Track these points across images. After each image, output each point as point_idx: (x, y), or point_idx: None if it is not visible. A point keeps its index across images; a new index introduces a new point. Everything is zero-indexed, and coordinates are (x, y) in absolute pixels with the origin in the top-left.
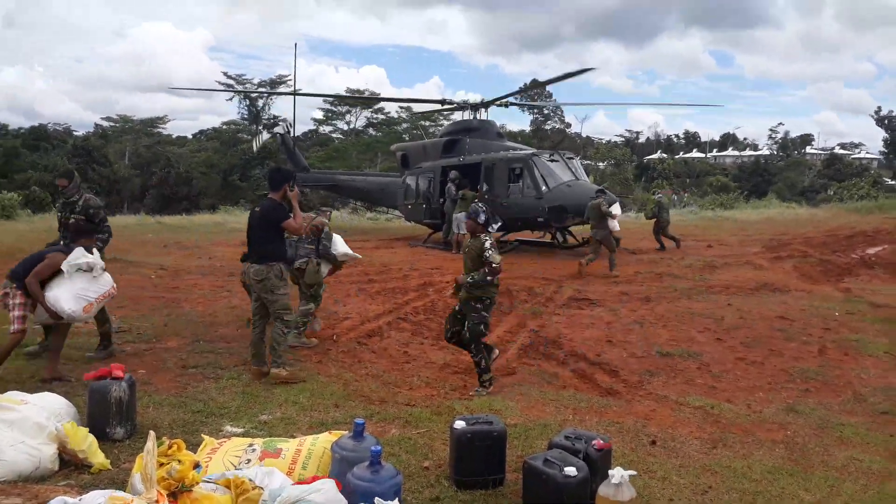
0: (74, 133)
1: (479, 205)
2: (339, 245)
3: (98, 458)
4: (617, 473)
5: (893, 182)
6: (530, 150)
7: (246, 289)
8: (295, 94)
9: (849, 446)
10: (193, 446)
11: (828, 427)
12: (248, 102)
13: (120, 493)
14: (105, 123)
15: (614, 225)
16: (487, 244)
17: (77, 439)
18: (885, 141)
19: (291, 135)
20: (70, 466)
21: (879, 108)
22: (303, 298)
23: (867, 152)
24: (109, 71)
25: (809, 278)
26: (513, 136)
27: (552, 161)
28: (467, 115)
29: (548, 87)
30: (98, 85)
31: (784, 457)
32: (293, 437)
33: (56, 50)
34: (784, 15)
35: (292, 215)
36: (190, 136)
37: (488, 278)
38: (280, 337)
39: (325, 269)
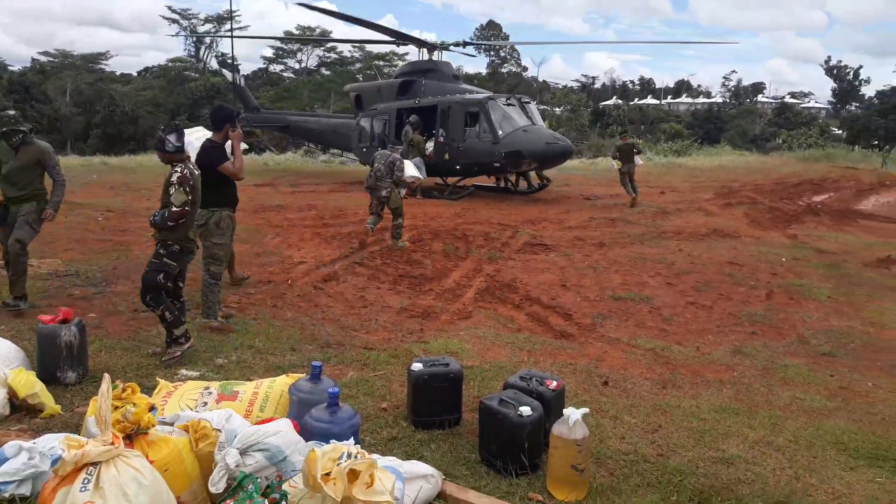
0: (10, 68)
1: (171, 131)
2: (408, 169)
3: (49, 403)
4: (570, 412)
5: (840, 132)
6: (487, 94)
7: None
8: (233, 36)
9: (791, 386)
10: (148, 390)
11: (772, 368)
12: (194, 39)
13: (75, 436)
14: (43, 58)
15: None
16: (175, 178)
17: (26, 385)
18: (833, 91)
19: (239, 73)
20: (22, 411)
21: (829, 57)
22: (395, 217)
23: (816, 102)
24: (47, 2)
25: (759, 225)
26: (469, 78)
27: (508, 105)
28: (423, 55)
29: (504, 30)
30: (34, 17)
31: (731, 396)
32: (250, 380)
33: None
34: None
35: (232, 158)
36: (135, 74)
37: (168, 223)
38: (208, 287)
39: (402, 191)
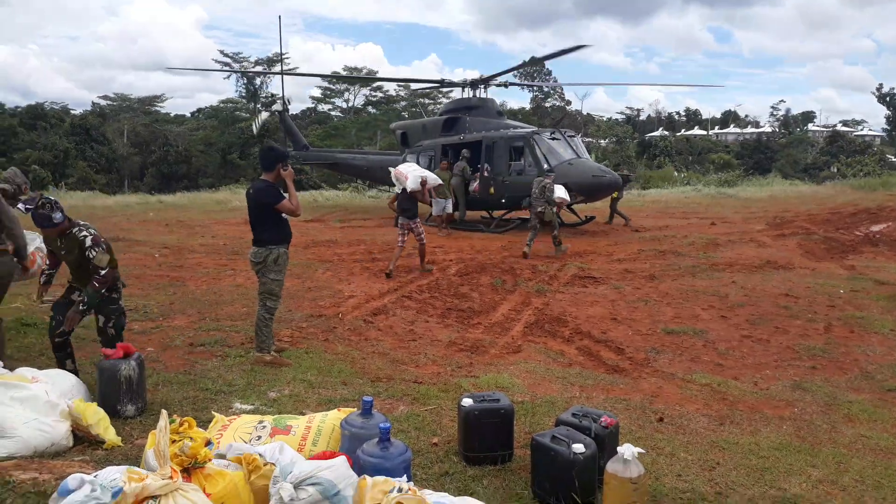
0: (72, 112)
1: (49, 201)
2: (558, 191)
3: (110, 435)
4: (626, 450)
5: None
6: (531, 128)
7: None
8: (283, 73)
9: (856, 423)
10: (204, 423)
11: (835, 404)
12: (245, 80)
13: (136, 469)
14: (102, 102)
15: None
16: (88, 241)
17: (88, 415)
18: (887, 118)
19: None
20: (84, 443)
21: (881, 84)
22: (551, 228)
23: (870, 129)
24: (103, 49)
25: (814, 256)
26: (513, 114)
27: (553, 139)
28: (467, 93)
29: (547, 65)
30: (92, 63)
31: (791, 433)
32: (302, 413)
33: (49, 28)
34: None
35: (287, 196)
36: (188, 115)
37: (104, 291)
38: (262, 321)
39: (554, 208)
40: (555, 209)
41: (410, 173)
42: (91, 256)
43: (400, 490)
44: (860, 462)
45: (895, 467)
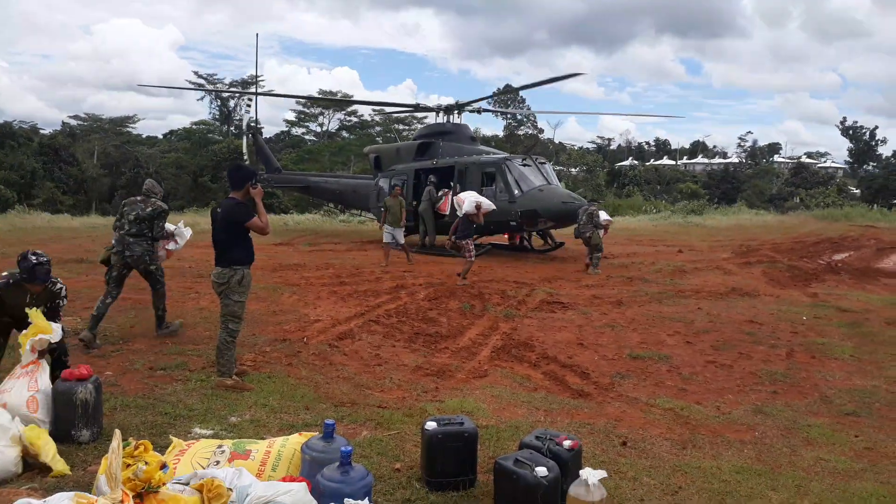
0: (41, 131)
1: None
2: (602, 215)
3: (57, 465)
4: (587, 473)
5: (858, 191)
6: (503, 155)
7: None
8: (257, 94)
9: (815, 446)
10: (161, 448)
11: (795, 428)
12: (219, 102)
13: (85, 494)
14: (73, 122)
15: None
16: (63, 292)
17: (39, 443)
18: (849, 150)
19: (261, 134)
20: (34, 469)
21: (844, 118)
22: (590, 253)
23: (833, 161)
24: (76, 68)
25: (778, 283)
26: (486, 140)
27: (525, 165)
28: (441, 118)
29: (521, 93)
30: (65, 82)
31: (753, 457)
32: (262, 438)
33: (21, 45)
34: (751, 24)
35: (256, 214)
36: (160, 136)
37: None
38: (224, 344)
39: (600, 232)
40: (601, 232)
41: (467, 199)
42: (61, 305)
43: None
44: (819, 485)
45: (853, 489)
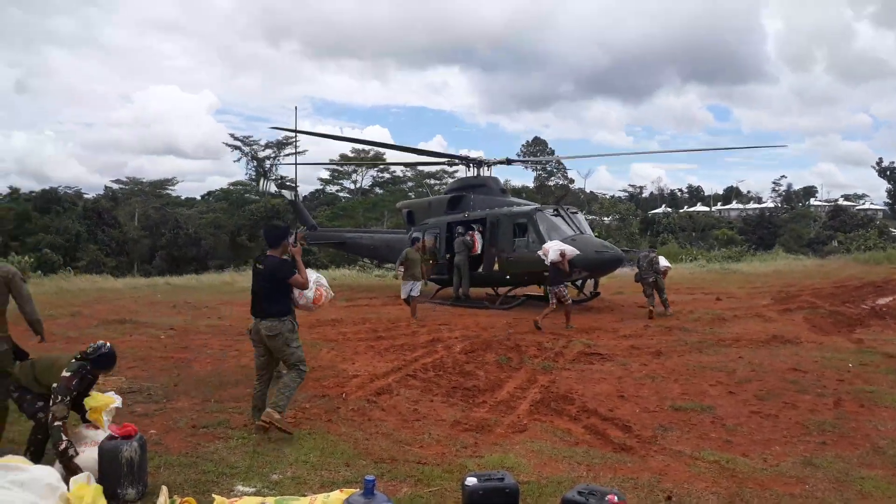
0: (85, 196)
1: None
2: (662, 262)
3: None
4: None
5: None
6: (534, 205)
7: (254, 344)
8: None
9: (870, 500)
10: None
11: (847, 480)
12: (255, 163)
13: None
14: (115, 186)
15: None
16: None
17: (89, 497)
18: (888, 192)
19: (298, 197)
20: None
21: (881, 159)
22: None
23: (871, 203)
24: (117, 134)
25: (820, 330)
26: (516, 192)
27: (555, 216)
28: (471, 171)
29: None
30: (106, 148)
31: None
32: (304, 495)
33: (64, 115)
34: (776, 69)
35: (296, 271)
36: (199, 198)
37: None
38: (291, 384)
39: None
40: (661, 276)
41: (551, 248)
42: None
43: None
44: None
45: None
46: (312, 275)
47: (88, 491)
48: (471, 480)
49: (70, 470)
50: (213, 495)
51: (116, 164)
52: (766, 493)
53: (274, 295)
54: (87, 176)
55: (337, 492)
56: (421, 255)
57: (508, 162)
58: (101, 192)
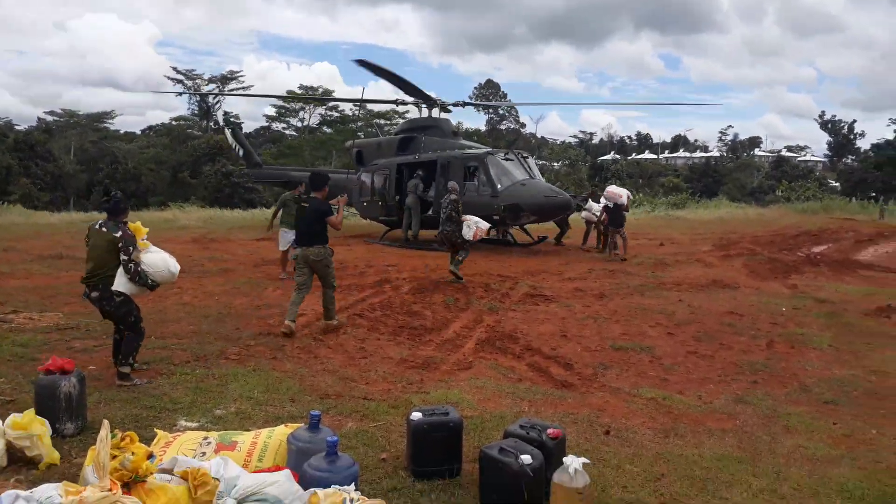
0: (17, 127)
1: None
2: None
3: (48, 453)
4: (571, 461)
5: (837, 184)
6: (486, 149)
7: (298, 266)
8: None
9: (795, 434)
10: (146, 441)
11: (775, 416)
12: (198, 98)
13: (73, 484)
14: (48, 118)
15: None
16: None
17: (28, 428)
18: (828, 144)
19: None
20: (19, 463)
21: (823, 112)
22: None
23: (812, 155)
24: (52, 64)
25: (758, 275)
26: (468, 135)
27: (507, 160)
28: (422, 113)
29: (502, 88)
30: (40, 78)
31: (734, 445)
32: (248, 430)
33: None
34: (728, 20)
35: (334, 212)
36: (138, 132)
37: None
38: (332, 297)
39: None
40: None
41: (624, 193)
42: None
43: (351, 501)
44: (798, 471)
45: (832, 475)
46: (472, 218)
47: (32, 421)
48: (415, 415)
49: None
50: (155, 429)
51: (50, 95)
52: (700, 428)
53: (317, 227)
54: (19, 107)
55: (282, 426)
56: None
57: (464, 104)
58: (34, 123)
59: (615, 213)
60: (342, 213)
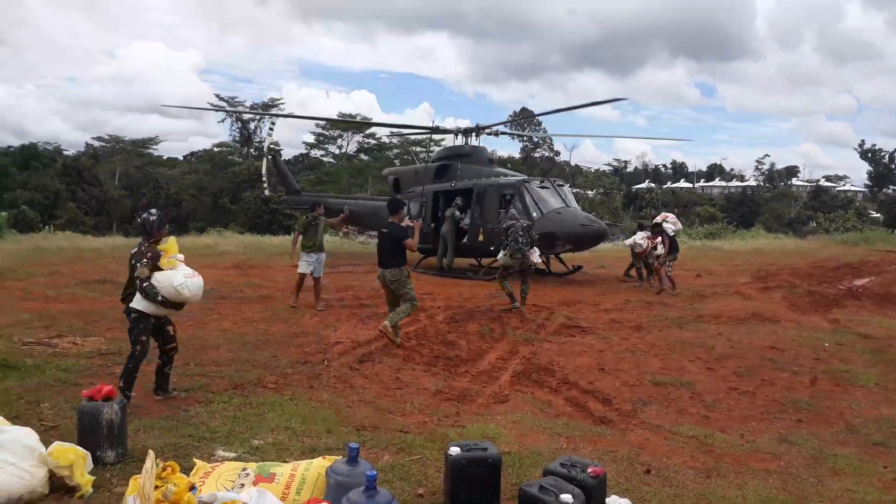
0: (65, 153)
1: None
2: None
3: (84, 478)
4: (614, 502)
5: (878, 215)
6: (521, 177)
7: (382, 285)
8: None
9: (842, 477)
10: (185, 470)
11: (821, 458)
12: (239, 125)
13: None
14: (96, 143)
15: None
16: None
17: (67, 458)
18: (868, 174)
19: (281, 156)
20: (61, 491)
21: (863, 141)
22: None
23: (852, 185)
24: (100, 91)
25: (798, 309)
26: (502, 162)
27: (543, 188)
28: (459, 140)
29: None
30: (88, 105)
31: (778, 487)
32: (286, 461)
33: (46, 69)
34: (764, 47)
35: (410, 235)
36: (181, 158)
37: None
38: (405, 309)
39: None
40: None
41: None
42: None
43: None
44: None
45: None
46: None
47: (69, 451)
48: (454, 450)
49: (151, 298)
50: (194, 459)
51: (98, 122)
52: (743, 469)
53: (394, 251)
54: (68, 133)
55: (319, 459)
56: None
57: (496, 134)
58: (82, 149)
59: (673, 241)
60: (418, 236)
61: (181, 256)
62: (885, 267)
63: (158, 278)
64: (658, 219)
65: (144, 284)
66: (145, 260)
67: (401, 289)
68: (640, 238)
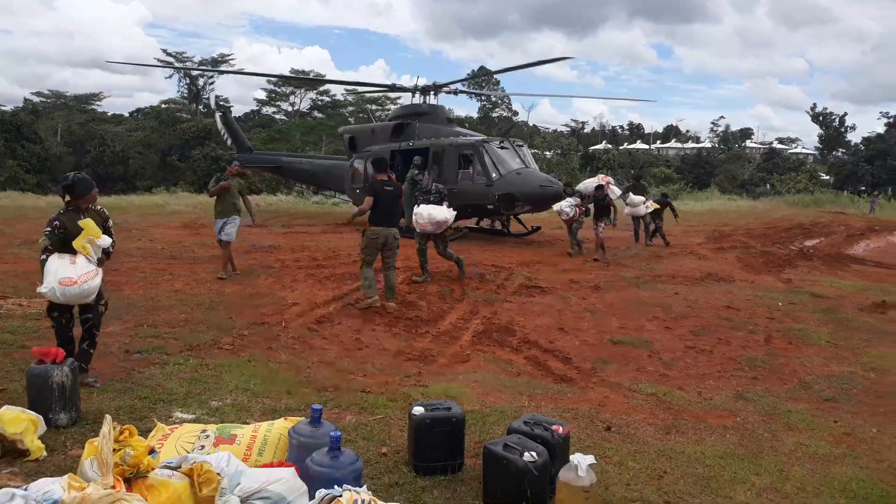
0: (2, 108)
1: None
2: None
3: (34, 444)
4: (578, 458)
5: (828, 177)
6: (480, 137)
7: (379, 245)
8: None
9: (796, 432)
10: (143, 433)
11: (775, 413)
12: (187, 81)
13: (78, 478)
14: (35, 99)
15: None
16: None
17: (19, 421)
18: (819, 137)
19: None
20: (12, 455)
21: (815, 104)
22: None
23: (803, 147)
24: (38, 44)
25: (752, 269)
26: (460, 122)
27: (502, 148)
28: (417, 99)
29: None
30: (27, 59)
31: (735, 442)
32: (246, 423)
33: None
34: (721, 9)
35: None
36: (126, 115)
37: None
38: (394, 277)
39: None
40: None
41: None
42: (111, 225)
43: (362, 502)
44: (801, 470)
45: (834, 474)
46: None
47: (22, 416)
48: (418, 409)
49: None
50: (154, 421)
51: (38, 76)
52: (701, 425)
53: (396, 210)
54: (5, 87)
55: (281, 420)
56: (238, 182)
57: (455, 93)
58: (21, 104)
59: (602, 205)
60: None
61: (105, 241)
62: (834, 228)
63: (49, 265)
64: (602, 181)
65: (41, 257)
66: (49, 228)
67: (396, 248)
68: (567, 206)
